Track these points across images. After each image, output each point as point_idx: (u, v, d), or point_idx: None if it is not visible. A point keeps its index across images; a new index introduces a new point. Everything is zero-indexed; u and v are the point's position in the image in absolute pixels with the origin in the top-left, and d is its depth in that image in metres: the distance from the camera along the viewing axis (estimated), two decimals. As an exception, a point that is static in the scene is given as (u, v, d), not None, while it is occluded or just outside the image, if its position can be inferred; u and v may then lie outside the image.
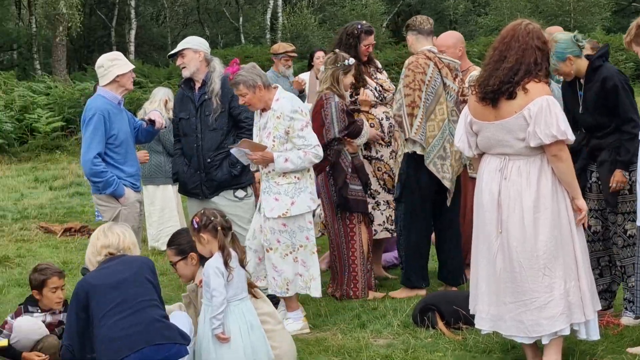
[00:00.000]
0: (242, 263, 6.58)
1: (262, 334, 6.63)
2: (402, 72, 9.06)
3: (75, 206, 14.67)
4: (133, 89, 9.24)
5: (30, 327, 7.12)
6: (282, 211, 8.00)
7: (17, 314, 7.30)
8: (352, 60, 9.14)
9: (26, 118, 20.46)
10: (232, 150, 8.14)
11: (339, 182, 8.97)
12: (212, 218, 6.48)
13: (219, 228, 6.46)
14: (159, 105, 11.19)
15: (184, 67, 8.80)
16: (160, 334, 6.16)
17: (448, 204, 9.04)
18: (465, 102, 8.51)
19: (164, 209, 11.74)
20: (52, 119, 20.20)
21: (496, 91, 6.39)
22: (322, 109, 9.01)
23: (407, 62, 9.09)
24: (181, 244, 7.08)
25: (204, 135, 8.74)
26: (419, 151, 8.94)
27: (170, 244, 7.18)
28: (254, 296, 6.91)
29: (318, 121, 8.95)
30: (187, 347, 6.30)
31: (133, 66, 8.69)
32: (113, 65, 8.45)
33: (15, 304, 9.13)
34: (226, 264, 6.42)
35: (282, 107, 8.00)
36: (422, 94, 8.87)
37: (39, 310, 7.31)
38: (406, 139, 8.95)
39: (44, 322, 7.23)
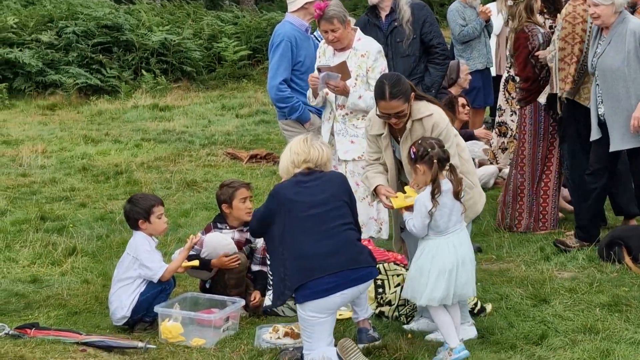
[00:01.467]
0: (458, 195, 6.38)
1: (472, 268, 6.51)
2: (559, 23, 8.71)
3: (261, 134, 14.88)
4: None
5: (220, 241, 7.35)
6: (358, 154, 7.88)
7: (207, 230, 7.55)
8: None
9: (214, 47, 20.76)
10: (322, 69, 7.91)
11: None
12: (430, 149, 6.29)
13: (435, 160, 6.28)
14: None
15: (370, -4, 8.77)
16: (354, 259, 6.29)
17: None
18: None
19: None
20: (239, 48, 20.45)
21: None
22: (527, 42, 8.85)
23: (563, 12, 8.73)
24: None
25: (396, 62, 8.68)
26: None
27: None
28: None
29: (523, 55, 8.83)
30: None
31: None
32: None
33: (202, 226, 9.39)
34: (433, 196, 6.28)
35: (369, 46, 7.97)
36: (583, 45, 8.52)
37: (227, 227, 7.53)
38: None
39: (232, 239, 7.42)
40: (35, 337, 6.65)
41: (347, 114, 7.98)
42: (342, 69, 7.78)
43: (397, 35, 8.70)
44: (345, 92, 7.83)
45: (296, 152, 6.54)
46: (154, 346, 6.62)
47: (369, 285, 6.62)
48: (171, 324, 6.82)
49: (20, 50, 18.99)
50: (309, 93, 8.12)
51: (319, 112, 8.53)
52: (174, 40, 19.81)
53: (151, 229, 7.16)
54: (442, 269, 6.32)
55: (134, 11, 21.63)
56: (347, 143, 7.99)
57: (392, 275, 7.39)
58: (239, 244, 7.48)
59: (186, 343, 6.76)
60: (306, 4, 8.51)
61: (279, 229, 6.32)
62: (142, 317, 7.02)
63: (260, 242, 7.56)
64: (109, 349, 6.56)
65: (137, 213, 7.14)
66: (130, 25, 20.11)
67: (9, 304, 7.58)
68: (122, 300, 7.01)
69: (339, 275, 6.19)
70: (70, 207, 10.68)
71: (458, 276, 6.34)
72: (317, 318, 6.22)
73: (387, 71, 7.97)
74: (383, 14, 8.79)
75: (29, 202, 10.87)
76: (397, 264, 7.52)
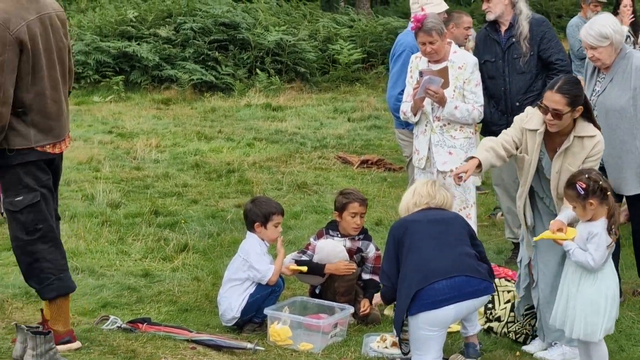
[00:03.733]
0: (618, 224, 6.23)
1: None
2: None
3: (373, 139, 14.84)
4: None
5: (332, 249, 7.36)
6: (456, 164, 7.69)
7: (318, 236, 7.56)
8: None
9: (329, 49, 20.82)
10: (425, 72, 7.79)
11: None
12: (600, 182, 6.08)
13: (609, 193, 6.09)
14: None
15: (488, 11, 8.68)
16: (473, 268, 6.32)
17: None
18: None
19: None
20: (353, 51, 20.46)
21: None
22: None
23: None
24: None
25: (512, 79, 8.58)
26: None
27: None
28: None
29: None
30: None
31: (447, 7, 8.67)
32: (427, 3, 8.47)
33: (311, 229, 9.43)
34: (611, 230, 6.10)
35: (465, 59, 7.96)
36: None
37: (339, 235, 7.52)
38: None
39: (344, 246, 7.43)
40: (146, 332, 6.74)
41: (444, 125, 7.94)
42: (444, 74, 7.76)
43: (513, 51, 8.60)
44: (442, 101, 7.80)
45: (420, 194, 6.64)
46: (263, 348, 6.64)
47: (485, 301, 6.56)
48: (280, 327, 6.85)
49: (138, 44, 19.32)
50: (407, 108, 8.05)
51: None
52: (290, 41, 19.92)
53: (264, 235, 7.21)
54: (612, 296, 6.19)
55: (251, 10, 21.81)
56: (445, 154, 7.94)
57: (503, 292, 7.31)
58: (350, 252, 7.47)
59: (294, 347, 6.78)
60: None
61: (402, 254, 6.35)
62: (252, 319, 7.06)
63: (372, 251, 7.55)
64: (218, 348, 6.61)
65: (256, 215, 7.19)
66: (247, 24, 20.29)
67: (121, 297, 7.70)
68: (232, 301, 7.06)
69: (456, 281, 6.18)
70: (182, 203, 10.80)
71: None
72: (429, 331, 6.19)
73: (481, 84, 8.01)
74: (503, 29, 8.69)
75: (142, 195, 11.03)
76: (508, 280, 7.43)
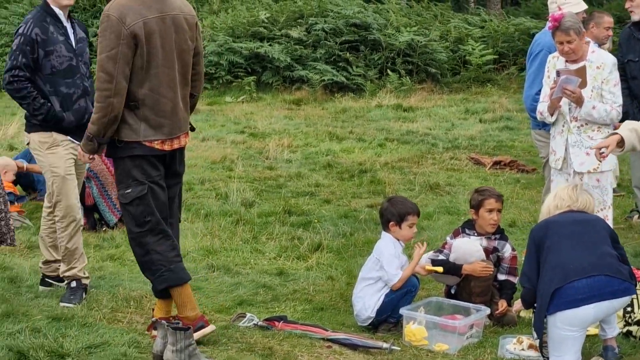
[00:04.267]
0: None
1: None
2: None
3: (505, 140, 14.67)
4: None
5: (469, 248, 7.30)
6: (593, 166, 7.60)
7: (455, 234, 7.52)
8: None
9: (460, 49, 20.69)
10: (562, 72, 7.61)
11: None
12: None
13: None
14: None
15: (632, 11, 8.50)
16: (614, 268, 6.16)
17: None
18: None
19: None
20: (485, 52, 20.28)
21: None
22: None
23: None
24: None
25: (654, 79, 8.39)
26: None
27: None
28: None
29: None
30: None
31: (585, 6, 8.52)
32: (566, 3, 8.34)
33: (444, 230, 9.36)
34: None
35: (604, 58, 7.72)
36: None
37: (475, 234, 7.46)
38: None
39: (480, 245, 7.36)
40: (283, 330, 6.77)
41: (582, 126, 7.77)
42: (582, 74, 7.60)
43: (658, 51, 8.42)
44: (580, 101, 7.63)
45: (562, 198, 6.53)
46: (398, 348, 6.61)
47: (625, 303, 6.40)
48: (415, 327, 6.81)
49: (270, 45, 19.52)
50: (544, 108, 7.91)
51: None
52: (421, 42, 19.86)
53: (399, 234, 7.19)
54: None
55: (382, 11, 21.81)
56: (582, 155, 7.77)
57: (643, 295, 7.12)
58: (486, 252, 7.39)
59: (429, 347, 6.73)
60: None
61: (542, 255, 6.26)
62: (387, 319, 7.04)
63: (508, 251, 7.46)
64: (353, 347, 6.60)
65: (391, 214, 7.17)
66: (378, 24, 20.30)
67: (256, 295, 7.76)
68: (367, 301, 7.05)
69: (596, 280, 6.05)
70: (315, 202, 10.85)
71: None
72: (567, 331, 6.08)
73: (619, 84, 7.81)
74: (648, 29, 8.52)
75: (275, 195, 11.12)
76: (648, 283, 7.25)
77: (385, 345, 6.58)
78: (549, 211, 6.54)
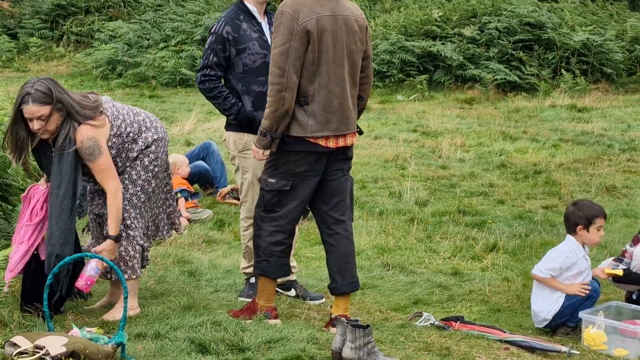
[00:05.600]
0: None
1: None
2: None
3: (685, 142, 14.26)
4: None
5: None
6: None
7: (634, 242, 7.36)
8: None
9: (636, 49, 20.14)
10: None
11: None
12: None
13: None
14: None
15: None
16: None
17: None
18: None
19: None
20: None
21: None
22: None
23: None
24: None
25: None
26: None
27: None
28: None
29: None
30: None
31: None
32: None
33: (621, 233, 9.18)
34: None
35: None
36: None
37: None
38: None
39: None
40: (459, 331, 6.78)
41: None
42: None
43: None
44: None
45: None
46: (578, 352, 6.54)
47: None
48: (595, 331, 6.71)
49: (443, 44, 19.47)
50: None
51: None
52: (596, 41, 19.44)
53: (586, 238, 7.10)
54: None
55: (556, 9, 21.47)
56: None
57: None
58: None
59: (608, 352, 6.64)
60: None
61: None
62: (565, 322, 6.96)
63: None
64: (531, 349, 6.56)
65: (579, 218, 7.08)
66: (553, 23, 19.99)
67: (432, 294, 7.78)
68: (545, 304, 6.98)
69: None
70: (489, 202, 10.79)
71: None
72: None
73: None
74: None
75: (449, 194, 11.10)
76: None
77: (564, 348, 6.52)
78: None
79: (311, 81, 6.35)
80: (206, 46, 7.08)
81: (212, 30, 7.07)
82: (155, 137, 6.60)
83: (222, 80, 7.09)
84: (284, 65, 6.26)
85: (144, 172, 6.56)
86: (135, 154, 6.51)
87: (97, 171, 6.33)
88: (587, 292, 6.99)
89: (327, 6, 6.37)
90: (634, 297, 7.28)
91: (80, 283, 6.29)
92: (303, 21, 6.26)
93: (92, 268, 6.28)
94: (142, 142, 6.53)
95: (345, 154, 6.65)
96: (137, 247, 6.58)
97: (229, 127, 7.18)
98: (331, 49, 6.36)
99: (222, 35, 7.00)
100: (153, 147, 6.58)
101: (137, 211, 6.56)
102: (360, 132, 6.85)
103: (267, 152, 6.57)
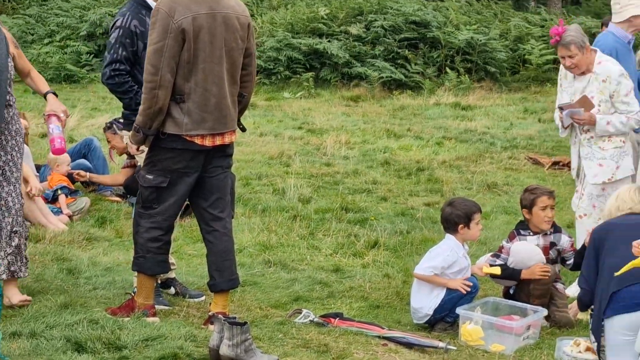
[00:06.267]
0: None
1: None
2: None
3: (564, 140, 14.40)
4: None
5: (529, 252, 7.29)
6: (607, 177, 7.62)
7: (510, 238, 7.48)
8: None
9: (519, 48, 20.57)
10: (564, 107, 7.65)
11: None
12: None
13: None
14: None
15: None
16: None
17: None
18: None
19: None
20: (545, 52, 20.11)
21: None
22: None
23: None
24: None
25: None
26: None
27: None
28: None
29: None
30: None
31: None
32: (630, 4, 8.23)
33: (502, 230, 9.31)
34: None
35: (609, 70, 7.64)
36: None
37: (531, 233, 7.42)
38: None
39: (537, 245, 7.31)
40: (338, 327, 6.77)
41: (592, 137, 7.71)
42: (584, 103, 7.60)
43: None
44: (592, 122, 7.59)
45: (623, 200, 6.48)
46: (454, 348, 6.58)
47: None
48: (472, 327, 6.78)
49: (329, 41, 19.55)
50: (559, 124, 7.90)
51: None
52: (480, 40, 19.75)
53: (468, 235, 7.19)
54: None
55: (442, 8, 21.78)
56: (595, 167, 7.71)
57: None
58: (545, 250, 7.37)
59: (485, 347, 6.70)
60: (632, 17, 8.23)
61: (601, 257, 6.19)
62: (444, 318, 7.02)
63: (565, 242, 7.47)
64: (409, 345, 6.58)
65: (458, 217, 7.16)
66: (438, 22, 20.26)
67: (312, 291, 7.76)
68: (424, 300, 7.03)
69: None
70: (372, 200, 10.84)
71: None
72: (625, 336, 6.01)
73: (631, 93, 7.72)
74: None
75: (332, 191, 11.12)
76: None
77: (441, 344, 6.56)
78: (610, 213, 6.49)
79: (187, 79, 6.31)
80: (113, 41, 6.94)
81: (118, 24, 6.94)
82: None
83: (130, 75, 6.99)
84: (158, 63, 6.21)
85: None
86: None
87: None
88: (469, 289, 7.06)
89: (206, 4, 6.32)
90: (511, 292, 7.38)
91: (56, 145, 6.55)
92: (179, 19, 6.21)
93: (54, 127, 6.26)
94: None
95: (224, 151, 6.62)
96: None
97: (128, 126, 7.06)
98: (208, 47, 6.32)
99: (129, 29, 6.91)
100: None
101: None
102: (243, 130, 6.84)
103: (143, 147, 6.53)
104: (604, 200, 7.60)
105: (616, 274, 6.03)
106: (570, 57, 7.65)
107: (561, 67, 8.02)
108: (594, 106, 7.64)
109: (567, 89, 7.88)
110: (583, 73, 7.75)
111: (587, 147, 7.78)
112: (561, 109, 7.71)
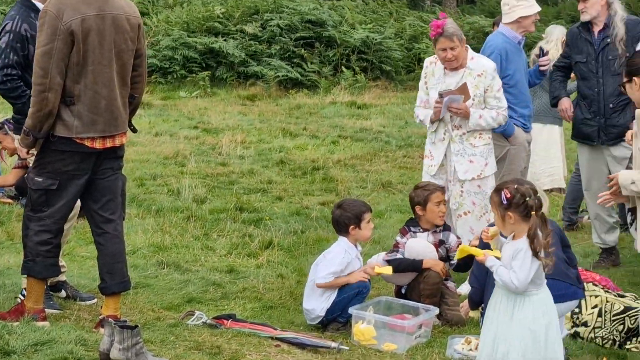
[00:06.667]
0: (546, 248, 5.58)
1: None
2: None
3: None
4: (534, 31, 9.09)
5: (424, 248, 7.38)
6: (476, 173, 7.80)
7: (402, 233, 7.56)
8: None
9: (415, 47, 20.77)
10: (444, 94, 7.71)
11: None
12: (527, 198, 5.49)
13: (533, 212, 5.51)
14: (555, 45, 10.88)
15: (584, 12, 8.57)
16: (561, 272, 6.17)
17: None
18: None
19: (549, 149, 11.49)
20: (439, 50, 20.35)
21: None
22: None
23: None
24: None
25: (606, 80, 8.47)
26: None
27: None
28: None
29: None
30: None
31: (539, 8, 8.57)
32: (518, 5, 8.37)
33: (396, 228, 9.36)
34: (536, 254, 5.49)
35: (484, 66, 7.82)
36: None
37: (421, 230, 7.53)
38: None
39: (427, 241, 7.42)
40: (231, 329, 6.75)
41: (464, 134, 7.85)
42: (464, 90, 7.71)
43: (608, 52, 8.48)
44: (467, 115, 7.72)
45: None
46: (347, 347, 6.61)
47: (573, 307, 6.45)
48: (364, 326, 6.81)
49: (225, 40, 19.46)
50: (422, 114, 7.98)
51: (524, 127, 8.41)
52: (376, 39, 19.89)
53: (360, 235, 7.23)
54: (556, 322, 5.71)
55: (337, 7, 21.87)
56: (466, 163, 7.86)
57: (590, 297, 7.18)
58: (435, 246, 7.45)
59: (378, 347, 6.74)
60: (520, 17, 8.37)
61: None
62: (336, 318, 7.04)
63: (453, 240, 7.57)
64: (302, 346, 6.59)
65: (348, 218, 7.19)
66: (334, 21, 20.33)
67: (206, 292, 7.73)
68: (317, 300, 7.05)
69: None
70: (267, 199, 10.84)
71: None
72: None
73: (502, 90, 7.90)
74: (596, 29, 8.57)
75: (227, 191, 11.08)
76: (596, 285, 7.33)
77: (333, 344, 6.58)
78: None
79: (77, 82, 6.25)
80: (3, 45, 6.75)
81: (8, 28, 6.78)
82: None
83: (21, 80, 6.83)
84: (47, 66, 6.14)
85: None
86: None
87: None
88: (368, 276, 7.14)
89: (94, 5, 6.25)
90: (403, 291, 7.45)
91: None
92: (67, 21, 6.14)
93: None
94: None
95: (115, 153, 6.57)
96: None
97: (20, 130, 6.91)
98: (98, 49, 6.26)
99: (20, 33, 6.76)
100: None
101: None
102: (134, 131, 6.81)
103: (33, 150, 6.43)
104: (482, 198, 7.74)
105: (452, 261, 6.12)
106: (452, 48, 7.72)
107: (426, 64, 8.08)
108: (470, 97, 7.74)
109: (436, 86, 7.90)
110: (456, 68, 7.83)
111: (458, 144, 7.87)
112: (441, 95, 7.75)
